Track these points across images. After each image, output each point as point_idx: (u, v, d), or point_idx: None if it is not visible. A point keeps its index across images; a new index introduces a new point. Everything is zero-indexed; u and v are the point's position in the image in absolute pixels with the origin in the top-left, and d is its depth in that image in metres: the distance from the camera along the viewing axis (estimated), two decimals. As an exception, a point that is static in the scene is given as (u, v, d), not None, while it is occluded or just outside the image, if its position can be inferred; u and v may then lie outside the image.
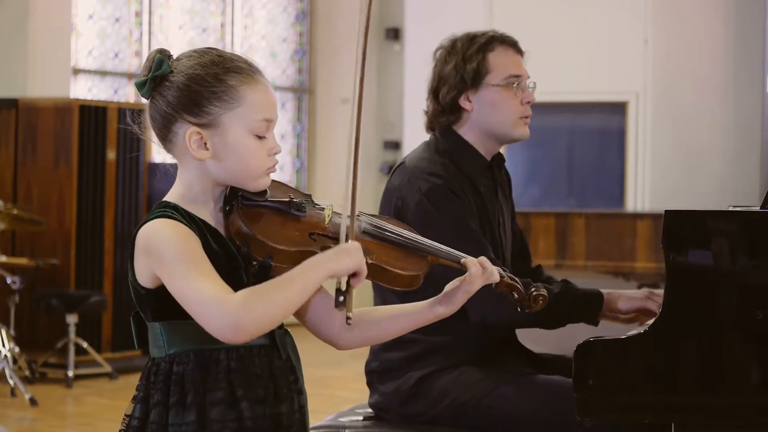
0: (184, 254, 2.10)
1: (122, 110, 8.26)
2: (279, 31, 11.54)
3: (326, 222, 2.26)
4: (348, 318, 2.09)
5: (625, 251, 7.10)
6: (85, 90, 9.72)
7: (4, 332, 7.27)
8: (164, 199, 2.23)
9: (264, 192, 2.25)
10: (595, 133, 9.91)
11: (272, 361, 2.24)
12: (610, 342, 2.67)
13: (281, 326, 2.27)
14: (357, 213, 2.20)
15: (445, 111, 3.43)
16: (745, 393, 2.63)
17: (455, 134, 3.43)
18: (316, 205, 2.29)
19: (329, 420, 3.41)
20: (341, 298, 2.09)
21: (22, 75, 8.72)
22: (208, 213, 2.23)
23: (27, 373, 7.58)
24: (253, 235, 2.17)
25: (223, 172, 2.22)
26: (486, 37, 3.43)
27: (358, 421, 3.39)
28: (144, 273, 2.16)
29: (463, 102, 3.41)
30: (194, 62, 2.21)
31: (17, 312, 7.62)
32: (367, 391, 3.44)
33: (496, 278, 2.33)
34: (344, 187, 2.15)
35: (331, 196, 2.38)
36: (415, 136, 8.97)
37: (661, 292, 3.23)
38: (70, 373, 7.66)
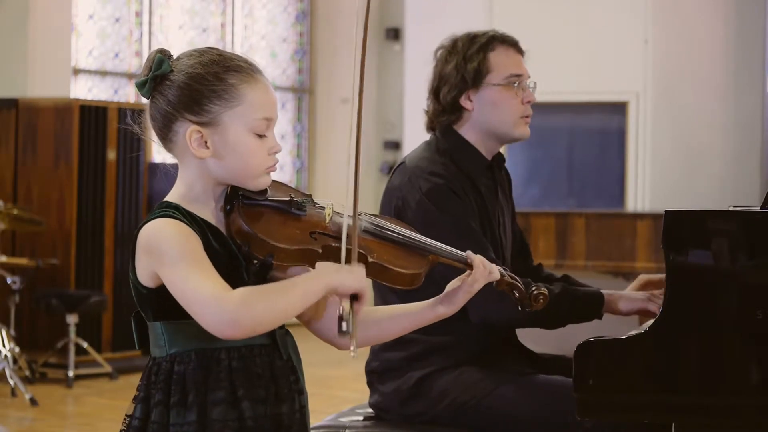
0: (185, 253, 2.11)
1: (122, 110, 8.26)
2: (279, 31, 11.54)
3: (327, 221, 2.26)
4: (352, 350, 2.10)
5: (625, 251, 7.10)
6: (85, 90, 9.72)
7: (4, 332, 7.27)
8: (165, 199, 2.24)
9: (264, 191, 2.25)
10: (595, 133, 9.92)
11: (273, 361, 2.24)
12: (610, 342, 2.67)
13: (282, 326, 2.27)
14: (358, 212, 2.20)
15: (445, 110, 3.43)
16: (745, 393, 2.63)
17: (456, 134, 3.43)
18: (317, 204, 2.30)
19: (330, 420, 3.41)
20: (344, 326, 2.09)
21: (22, 75, 8.72)
22: (209, 212, 2.23)
23: (27, 373, 7.58)
24: (253, 233, 2.17)
25: (224, 170, 2.22)
26: (487, 37, 3.43)
27: (358, 421, 3.39)
28: (145, 272, 2.16)
29: (463, 101, 3.41)
30: (194, 61, 2.22)
31: (17, 312, 7.62)
32: (367, 391, 3.44)
33: (497, 275, 2.33)
34: (345, 187, 2.15)
35: (331, 196, 2.38)
36: (415, 136, 8.97)
37: (661, 276, 3.23)
38: (71, 373, 7.66)
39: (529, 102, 3.44)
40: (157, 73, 2.21)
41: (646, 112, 9.49)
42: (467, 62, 3.40)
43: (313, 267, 2.17)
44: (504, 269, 2.39)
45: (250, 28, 11.28)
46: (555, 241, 7.18)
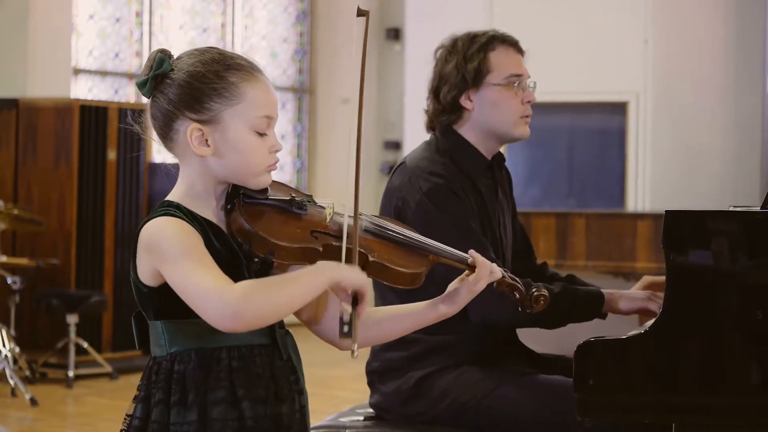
0: (186, 250, 2.11)
1: (123, 110, 8.26)
2: (279, 31, 11.54)
3: (328, 221, 2.26)
4: (353, 351, 2.10)
5: (626, 251, 7.10)
6: (85, 90, 9.72)
7: (4, 332, 7.27)
8: (166, 198, 2.24)
9: (265, 190, 2.26)
10: (596, 133, 9.92)
11: (273, 361, 2.24)
12: (610, 342, 2.67)
13: (282, 326, 2.28)
14: (359, 212, 2.20)
15: (445, 110, 3.43)
16: (746, 393, 2.63)
17: (456, 134, 3.43)
18: (318, 204, 2.30)
19: (330, 420, 3.41)
20: (345, 328, 2.09)
21: (22, 75, 8.72)
22: (211, 211, 2.24)
23: (27, 373, 7.58)
24: (254, 231, 2.18)
25: (225, 169, 2.23)
26: (487, 37, 3.43)
27: (358, 421, 3.39)
28: (146, 271, 2.16)
29: (463, 101, 3.41)
30: (195, 60, 2.23)
31: (18, 312, 7.62)
32: (367, 391, 3.44)
33: (498, 275, 2.34)
34: (345, 187, 2.16)
35: (331, 196, 2.39)
36: (415, 136, 8.97)
37: (662, 279, 3.24)
38: (71, 373, 7.66)
39: (529, 102, 3.44)
40: (158, 72, 2.22)
41: (646, 112, 9.49)
42: (467, 62, 3.40)
43: None
44: (504, 270, 2.39)
45: (251, 28, 11.28)
46: (555, 241, 7.18)
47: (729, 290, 2.64)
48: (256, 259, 2.20)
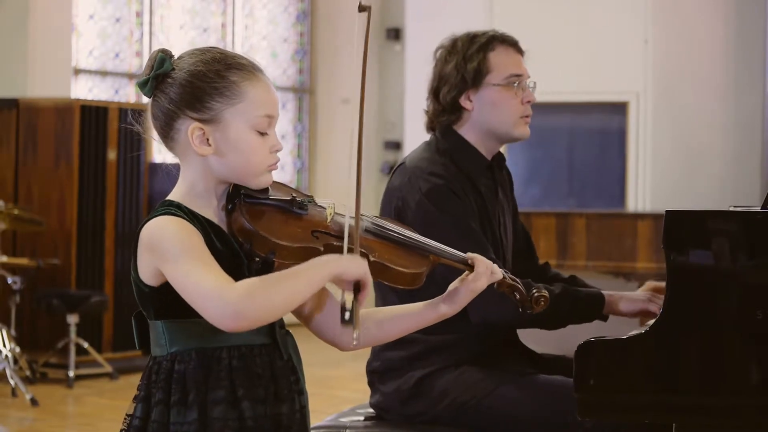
0: (187, 249, 2.11)
1: (123, 110, 8.26)
2: (280, 31, 11.54)
3: (328, 221, 2.27)
4: (355, 339, 2.10)
5: (626, 251, 7.11)
6: (85, 90, 9.72)
7: (5, 332, 7.27)
8: (167, 198, 2.24)
9: (266, 190, 2.26)
10: (596, 133, 9.92)
11: (274, 361, 2.24)
12: (611, 342, 2.67)
13: (282, 326, 2.28)
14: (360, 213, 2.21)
15: (445, 111, 3.43)
16: (746, 393, 2.63)
17: (455, 134, 3.43)
18: (318, 204, 2.30)
19: (330, 420, 3.41)
20: (347, 316, 2.10)
21: (22, 75, 8.73)
22: (212, 211, 2.24)
23: (28, 373, 7.58)
24: (255, 231, 2.18)
25: (225, 168, 2.23)
26: (486, 37, 3.43)
27: (359, 421, 3.39)
28: (147, 270, 2.17)
29: (463, 101, 3.41)
30: (196, 59, 2.23)
31: (18, 312, 7.62)
32: (367, 391, 3.44)
33: (499, 276, 2.34)
34: (346, 187, 2.16)
35: (332, 196, 2.39)
36: (415, 136, 8.97)
37: (662, 285, 3.24)
38: (71, 374, 7.66)
39: (529, 102, 3.44)
40: (159, 72, 2.22)
41: (646, 112, 9.49)
42: (467, 62, 3.40)
43: None
44: (505, 271, 2.39)
45: (251, 28, 11.28)
46: (555, 242, 7.18)
47: (729, 290, 2.64)
48: (257, 259, 2.20)
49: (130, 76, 10.07)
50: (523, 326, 3.40)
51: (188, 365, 2.19)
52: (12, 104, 8.27)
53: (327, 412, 3.68)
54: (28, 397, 6.93)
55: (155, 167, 8.50)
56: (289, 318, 2.31)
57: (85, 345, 7.78)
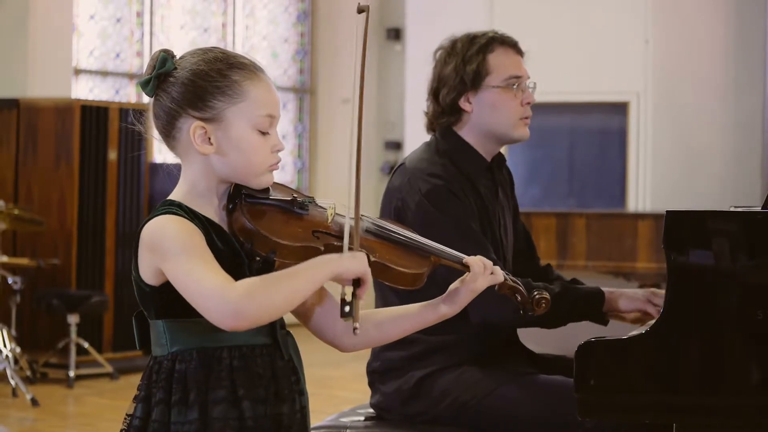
0: (188, 247, 2.12)
1: (123, 110, 8.26)
2: (280, 31, 11.54)
3: (329, 221, 2.27)
4: (355, 329, 2.11)
5: (626, 251, 7.11)
6: (86, 90, 9.72)
7: (5, 332, 7.27)
8: (168, 197, 2.25)
9: (267, 190, 2.27)
10: (596, 133, 9.92)
11: (274, 361, 2.25)
12: (611, 342, 2.67)
13: (283, 326, 2.28)
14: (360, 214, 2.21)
15: (445, 112, 3.43)
16: (746, 393, 2.63)
17: (455, 135, 3.43)
18: (319, 205, 2.31)
19: (330, 420, 3.41)
20: (347, 308, 2.10)
21: (22, 75, 8.73)
22: (213, 210, 2.25)
23: (28, 373, 7.58)
24: (256, 230, 2.18)
25: (227, 167, 2.24)
26: (486, 38, 3.43)
27: (359, 421, 3.39)
28: (148, 270, 2.17)
29: (462, 103, 3.41)
30: (198, 59, 2.24)
31: (18, 312, 7.63)
32: (368, 391, 3.44)
33: (500, 278, 2.34)
34: (346, 188, 2.16)
35: (332, 196, 2.40)
36: (416, 136, 8.97)
37: (662, 292, 3.24)
38: (72, 374, 7.66)
39: (528, 103, 3.43)
40: (161, 71, 2.23)
41: (646, 112, 9.49)
42: (466, 64, 3.39)
43: None
44: (506, 273, 2.39)
45: (252, 28, 11.29)
46: (556, 242, 7.18)
47: (729, 290, 2.64)
48: (258, 258, 2.21)
49: (131, 76, 10.07)
50: (524, 326, 3.40)
51: (189, 365, 2.19)
52: (12, 104, 8.27)
53: (327, 412, 3.69)
54: (28, 397, 6.94)
55: (156, 167, 8.50)
56: (290, 318, 2.31)
57: (86, 345, 7.78)
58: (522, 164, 9.53)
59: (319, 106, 11.72)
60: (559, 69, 9.15)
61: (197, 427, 2.16)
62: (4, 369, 7.14)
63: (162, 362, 2.21)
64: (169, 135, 2.26)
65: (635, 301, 3.34)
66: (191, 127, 2.22)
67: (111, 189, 8.23)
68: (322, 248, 2.20)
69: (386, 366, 3.35)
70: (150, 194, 8.41)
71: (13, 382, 7.10)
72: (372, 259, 2.21)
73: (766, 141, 9.54)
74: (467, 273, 2.33)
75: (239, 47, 10.91)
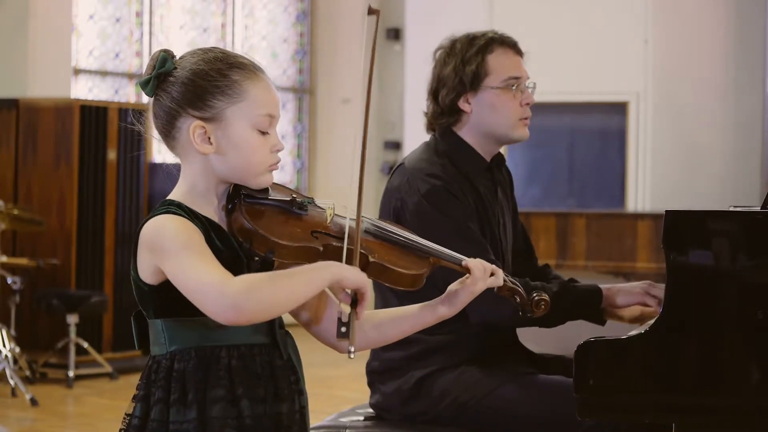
0: (187, 245, 2.12)
1: (123, 110, 8.26)
2: (280, 31, 11.54)
3: (328, 221, 2.27)
4: (350, 351, 2.11)
5: (626, 251, 7.11)
6: (85, 90, 9.72)
7: (4, 332, 7.27)
8: (168, 197, 2.25)
9: (266, 190, 2.27)
10: (596, 134, 9.92)
11: (273, 361, 2.24)
12: (610, 342, 2.67)
13: (282, 326, 2.28)
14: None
15: (444, 112, 3.42)
16: (746, 393, 2.63)
17: (455, 135, 3.43)
18: (318, 205, 2.31)
19: (330, 420, 3.41)
20: (343, 329, 2.10)
21: (22, 75, 8.73)
22: (212, 210, 2.25)
23: (27, 373, 7.58)
24: (255, 230, 2.18)
25: (226, 167, 2.24)
26: (485, 39, 3.42)
27: (359, 421, 3.39)
28: (147, 269, 2.17)
29: (462, 104, 3.40)
30: (198, 58, 2.25)
31: (18, 312, 7.63)
32: (367, 391, 3.44)
33: (500, 281, 2.34)
34: (345, 188, 2.16)
35: (332, 196, 2.39)
36: (415, 136, 8.97)
37: (659, 285, 3.24)
38: (71, 374, 7.66)
39: (528, 104, 3.43)
40: (161, 71, 2.23)
41: (646, 112, 9.49)
42: (465, 65, 3.39)
43: None
44: (506, 275, 2.39)
45: (251, 28, 11.29)
46: (555, 242, 7.18)
47: (729, 290, 2.64)
48: (257, 258, 2.21)
49: (130, 76, 10.07)
50: (523, 325, 3.40)
51: (188, 364, 2.19)
52: (12, 104, 8.27)
53: (327, 412, 3.68)
54: (28, 397, 6.93)
55: (155, 167, 8.50)
56: (289, 318, 2.31)
57: (85, 345, 7.78)
58: (522, 164, 9.53)
59: (318, 106, 11.72)
60: (559, 69, 9.15)
61: (196, 426, 2.16)
62: (4, 369, 7.14)
63: (161, 361, 2.21)
64: (168, 135, 2.26)
65: (633, 295, 3.34)
66: (191, 127, 2.22)
67: (110, 189, 8.23)
68: (321, 248, 2.20)
69: (386, 366, 3.35)
70: (149, 194, 8.41)
71: (12, 382, 7.10)
72: (371, 259, 2.21)
73: (766, 141, 9.54)
74: (467, 275, 2.33)
75: (238, 47, 10.91)
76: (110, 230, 8.23)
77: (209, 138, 2.22)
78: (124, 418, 2.24)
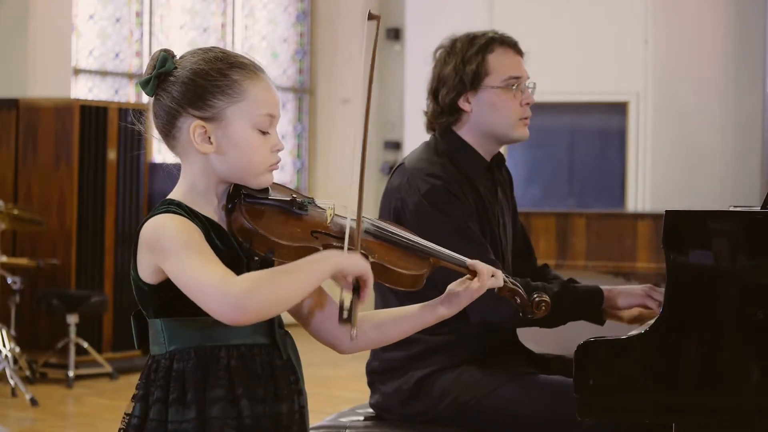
0: (188, 245, 2.12)
1: (123, 110, 8.26)
2: (280, 31, 11.54)
3: (328, 221, 2.27)
4: (352, 334, 2.11)
5: (626, 251, 7.11)
6: (85, 90, 9.72)
7: (4, 332, 7.27)
8: (168, 197, 2.25)
9: (266, 190, 2.27)
10: (596, 134, 9.92)
11: (273, 361, 2.24)
12: (610, 342, 2.67)
13: (281, 326, 2.28)
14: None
15: (444, 112, 3.43)
16: (746, 393, 2.63)
17: (455, 135, 3.43)
18: (318, 206, 2.31)
19: (330, 420, 3.41)
20: (345, 314, 2.10)
21: (22, 75, 8.73)
22: (212, 210, 2.25)
23: (27, 373, 7.58)
24: (255, 230, 2.18)
25: (227, 167, 2.24)
26: (485, 38, 3.42)
27: (358, 421, 3.39)
28: (147, 269, 2.17)
29: (462, 103, 3.41)
30: (198, 58, 2.25)
31: (18, 312, 7.63)
32: (367, 391, 3.44)
33: (501, 282, 2.34)
34: (346, 188, 2.16)
35: (332, 196, 2.39)
36: (415, 136, 8.97)
37: (661, 288, 3.24)
38: (71, 374, 7.66)
39: (528, 104, 3.43)
40: (161, 71, 2.23)
41: (646, 112, 9.49)
42: (465, 64, 3.39)
43: None
44: (506, 276, 2.39)
45: (251, 28, 11.28)
46: (555, 241, 7.18)
47: (729, 290, 2.64)
48: (257, 258, 2.21)
49: (130, 76, 10.07)
50: (523, 326, 3.40)
51: (187, 364, 2.19)
52: (12, 104, 8.27)
53: (327, 412, 3.68)
54: (27, 397, 6.93)
55: (155, 167, 8.50)
56: (288, 318, 2.31)
57: (85, 345, 7.78)
58: (522, 164, 9.53)
59: (318, 106, 11.72)
60: (559, 69, 9.15)
61: (195, 426, 2.16)
62: (4, 369, 7.13)
63: (160, 361, 2.21)
64: (169, 134, 2.26)
65: (634, 297, 3.34)
66: (191, 127, 2.22)
67: (110, 189, 8.23)
68: (321, 248, 2.20)
69: (386, 366, 3.35)
70: (149, 194, 8.41)
71: (12, 382, 7.10)
72: (371, 260, 2.21)
73: (766, 141, 9.54)
74: (467, 275, 2.33)
75: (238, 47, 10.90)
76: (110, 230, 8.23)
77: (209, 137, 2.22)
78: (124, 418, 2.24)
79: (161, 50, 2.25)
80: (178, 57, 2.26)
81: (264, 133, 2.24)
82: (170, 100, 2.23)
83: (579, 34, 9.55)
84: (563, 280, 3.49)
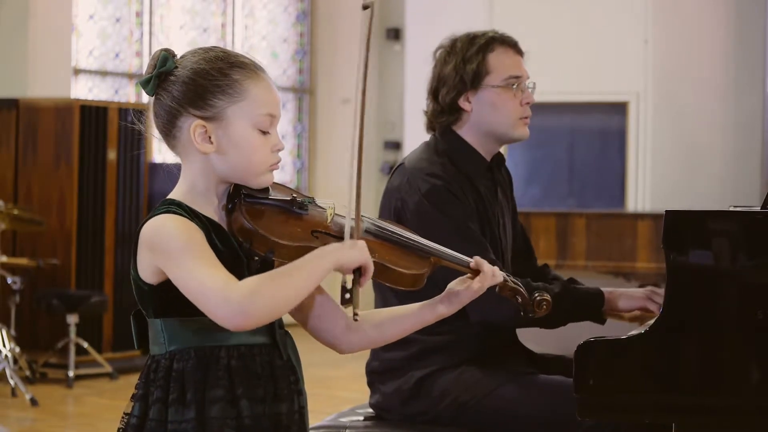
0: (188, 246, 2.12)
1: (123, 110, 8.26)
2: (280, 31, 11.54)
3: (328, 221, 2.27)
4: (355, 315, 2.11)
5: (626, 251, 7.11)
6: (85, 90, 9.72)
7: (4, 332, 7.27)
8: (168, 197, 2.25)
9: (266, 190, 2.27)
10: (596, 134, 9.91)
11: (273, 361, 2.24)
12: (610, 342, 2.67)
13: (282, 326, 2.28)
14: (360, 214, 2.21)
15: (444, 111, 3.43)
16: (746, 393, 2.63)
17: (455, 135, 3.43)
18: (318, 205, 2.31)
19: (330, 420, 3.41)
20: (347, 296, 2.10)
21: (22, 75, 8.73)
22: (212, 210, 2.25)
23: (27, 373, 7.58)
24: (255, 230, 2.18)
25: (227, 167, 2.24)
26: (486, 38, 3.43)
27: (358, 421, 3.39)
28: (147, 269, 2.17)
29: (462, 103, 3.41)
30: (199, 58, 2.25)
31: (18, 312, 7.63)
32: (367, 391, 3.44)
33: (500, 279, 2.34)
34: (346, 188, 2.16)
35: (332, 196, 2.39)
36: (415, 136, 8.97)
37: (662, 290, 3.24)
38: (71, 374, 7.66)
39: (528, 103, 3.43)
40: (162, 70, 2.23)
41: (646, 112, 9.49)
42: (466, 63, 3.39)
43: None
44: (507, 275, 2.39)
45: (251, 28, 11.28)
46: (555, 242, 7.18)
47: (729, 290, 2.64)
48: (257, 258, 2.21)
49: (130, 76, 10.07)
50: (524, 326, 3.40)
51: (187, 364, 2.19)
52: (12, 104, 8.27)
53: (327, 412, 3.68)
54: (27, 397, 6.93)
55: (155, 167, 8.50)
56: (288, 318, 2.31)
57: (85, 345, 7.78)
58: (522, 164, 9.53)
59: (318, 106, 11.72)
60: (559, 69, 9.15)
61: (194, 425, 2.16)
62: (4, 369, 7.13)
63: (160, 361, 2.21)
64: (169, 134, 2.26)
65: (635, 300, 3.35)
66: (191, 126, 2.22)
67: (110, 189, 8.23)
68: (321, 248, 2.20)
69: (386, 366, 3.35)
70: (149, 194, 8.41)
71: (12, 382, 7.10)
72: (371, 259, 2.21)
73: (766, 141, 9.53)
74: (468, 274, 2.33)
75: (238, 47, 10.90)
76: (110, 230, 8.23)
77: (210, 137, 2.22)
78: (123, 417, 2.24)
79: (162, 50, 2.25)
80: (178, 56, 2.26)
81: (264, 132, 2.24)
82: (171, 100, 2.23)
83: (579, 34, 9.55)
84: (564, 281, 3.49)
